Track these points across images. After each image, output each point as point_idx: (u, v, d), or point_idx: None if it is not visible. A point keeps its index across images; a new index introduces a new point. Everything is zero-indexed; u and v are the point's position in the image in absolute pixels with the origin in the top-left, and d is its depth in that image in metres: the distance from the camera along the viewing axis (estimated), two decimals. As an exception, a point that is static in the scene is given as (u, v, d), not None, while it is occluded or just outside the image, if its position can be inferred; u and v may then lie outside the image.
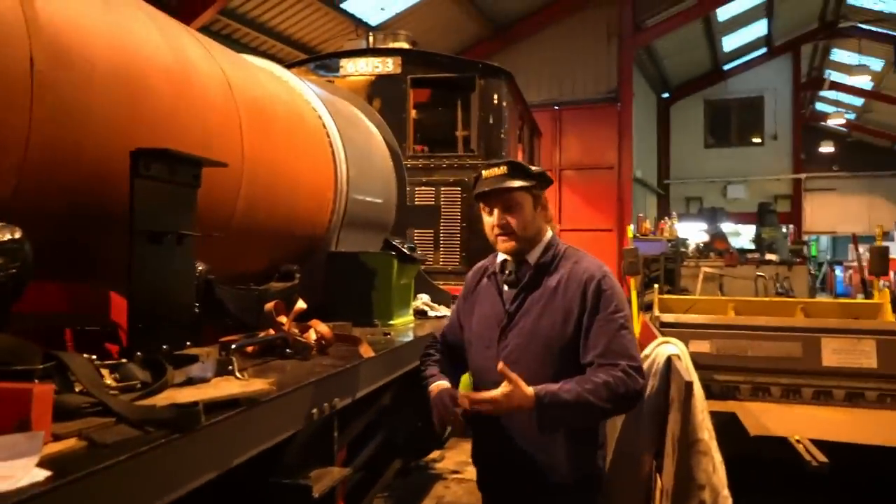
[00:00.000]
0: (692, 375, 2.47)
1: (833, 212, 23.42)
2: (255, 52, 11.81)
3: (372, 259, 3.49)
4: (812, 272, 14.93)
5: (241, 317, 2.52)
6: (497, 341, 2.20)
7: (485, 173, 2.24)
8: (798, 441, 2.82)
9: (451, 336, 2.47)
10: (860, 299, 9.30)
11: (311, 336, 2.44)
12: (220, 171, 2.28)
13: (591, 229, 14.51)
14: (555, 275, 2.19)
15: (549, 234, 2.30)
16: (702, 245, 13.95)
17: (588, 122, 15.49)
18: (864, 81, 20.91)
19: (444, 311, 4.28)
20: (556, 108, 15.73)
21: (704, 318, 4.09)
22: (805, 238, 21.20)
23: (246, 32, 11.90)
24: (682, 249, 12.67)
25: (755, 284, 10.37)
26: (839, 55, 22.26)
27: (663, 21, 16.23)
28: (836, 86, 23.33)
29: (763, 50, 22.28)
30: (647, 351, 2.77)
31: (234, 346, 2.09)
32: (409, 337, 3.20)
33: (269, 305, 2.45)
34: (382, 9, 13.45)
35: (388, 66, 6.12)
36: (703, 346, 3.69)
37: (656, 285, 7.24)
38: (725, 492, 2.41)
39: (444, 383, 2.23)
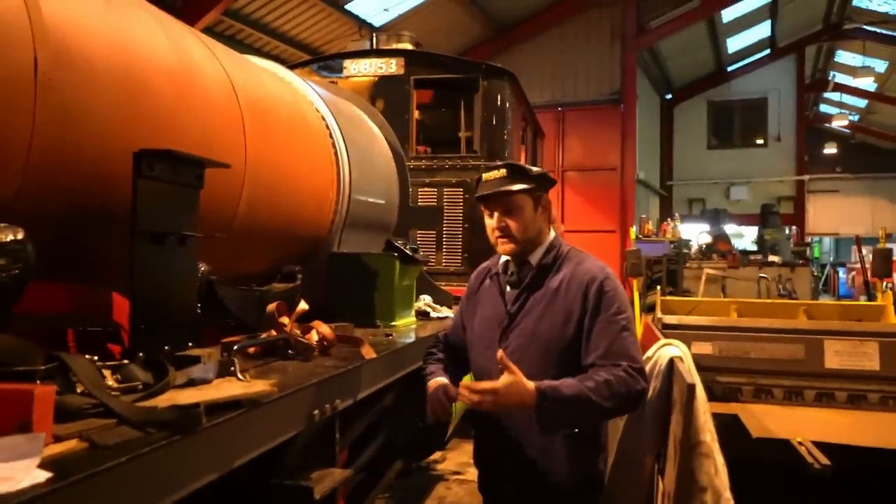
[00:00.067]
0: (694, 377, 2.46)
1: (836, 213, 23.38)
2: (259, 52, 11.83)
3: (374, 260, 3.49)
4: (815, 274, 14.89)
5: (243, 318, 2.52)
6: (498, 342, 2.20)
7: (485, 176, 2.24)
8: (800, 443, 2.82)
9: (453, 337, 2.47)
10: (863, 301, 9.28)
11: (313, 337, 2.44)
12: (223, 171, 2.28)
13: (594, 231, 14.51)
14: (556, 276, 2.19)
15: (551, 235, 2.29)
16: (704, 247, 13.89)
17: (591, 124, 15.49)
18: (868, 83, 20.88)
19: (446, 312, 4.28)
20: (560, 109, 15.73)
21: (707, 320, 4.08)
22: (808, 240, 21.15)
23: (250, 33, 11.92)
24: (685, 251, 12.64)
25: (758, 286, 10.35)
26: (843, 57, 22.22)
27: (667, 22, 16.23)
28: (840, 87, 23.29)
29: (767, 51, 22.24)
30: (649, 353, 2.77)
31: (235, 347, 2.09)
32: (411, 338, 3.20)
33: (271, 306, 2.46)
34: (386, 10, 13.47)
35: (392, 67, 6.12)
36: (705, 348, 3.68)
37: (659, 287, 7.23)
38: (727, 494, 2.41)
39: (442, 379, 2.24)
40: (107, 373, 1.53)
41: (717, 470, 2.39)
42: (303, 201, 3.21)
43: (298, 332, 2.44)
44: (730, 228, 17.66)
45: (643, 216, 15.73)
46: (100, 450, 1.20)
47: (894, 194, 23.14)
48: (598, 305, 2.09)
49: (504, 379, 1.92)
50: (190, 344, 2.04)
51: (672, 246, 12.32)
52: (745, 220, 20.69)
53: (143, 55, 2.13)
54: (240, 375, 1.84)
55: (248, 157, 2.65)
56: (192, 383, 1.72)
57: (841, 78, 23.00)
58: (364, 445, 2.93)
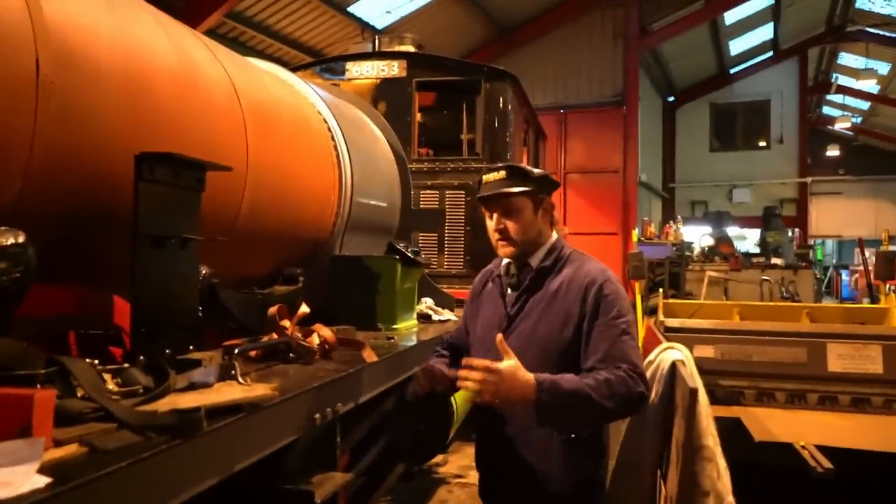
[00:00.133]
0: (697, 381, 2.45)
1: (839, 216, 23.34)
2: (262, 55, 11.85)
3: (376, 263, 3.49)
4: (818, 276, 14.86)
5: (244, 321, 2.52)
6: (496, 348, 2.20)
7: (485, 177, 2.24)
8: (803, 447, 2.80)
9: (458, 340, 2.47)
10: (866, 304, 9.26)
11: (315, 340, 2.44)
12: (224, 174, 2.28)
13: (596, 233, 14.49)
14: (556, 278, 2.17)
15: (553, 237, 2.28)
16: (707, 249, 13.89)
17: (593, 126, 15.48)
18: (870, 85, 20.83)
19: (448, 314, 4.28)
20: (562, 111, 15.72)
21: (709, 323, 4.06)
22: (811, 242, 21.12)
23: (252, 35, 11.94)
24: (687, 253, 12.63)
25: (760, 288, 10.33)
26: (846, 59, 22.19)
27: (669, 24, 16.21)
28: (842, 89, 23.26)
29: (769, 54, 22.22)
30: (651, 357, 2.76)
31: (237, 351, 2.09)
32: (413, 341, 3.19)
33: (273, 310, 2.45)
34: (388, 12, 13.48)
35: (394, 69, 6.13)
36: (707, 351, 3.67)
37: (661, 289, 7.23)
38: (730, 498, 2.40)
39: (437, 364, 2.24)
40: (107, 376, 1.53)
41: (719, 474, 2.38)
42: (305, 204, 3.20)
43: (300, 335, 2.43)
44: (732, 231, 17.63)
45: (645, 218, 15.70)
46: (100, 454, 1.20)
47: (897, 196, 23.12)
48: (597, 309, 2.07)
49: (507, 362, 1.90)
50: (191, 347, 2.03)
51: (674, 248, 12.30)
52: (747, 222, 20.66)
53: (144, 57, 2.13)
54: (241, 379, 1.84)
55: (250, 160, 2.65)
56: (192, 387, 1.71)
57: (844, 80, 22.97)
58: (365, 449, 2.93)
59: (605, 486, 2.26)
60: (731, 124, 23.33)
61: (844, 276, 23.37)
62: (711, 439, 2.40)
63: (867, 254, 11.12)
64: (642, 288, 7.04)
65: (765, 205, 19.04)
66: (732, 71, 22.61)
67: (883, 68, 20.28)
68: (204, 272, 2.27)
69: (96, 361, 1.57)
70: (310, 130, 3.36)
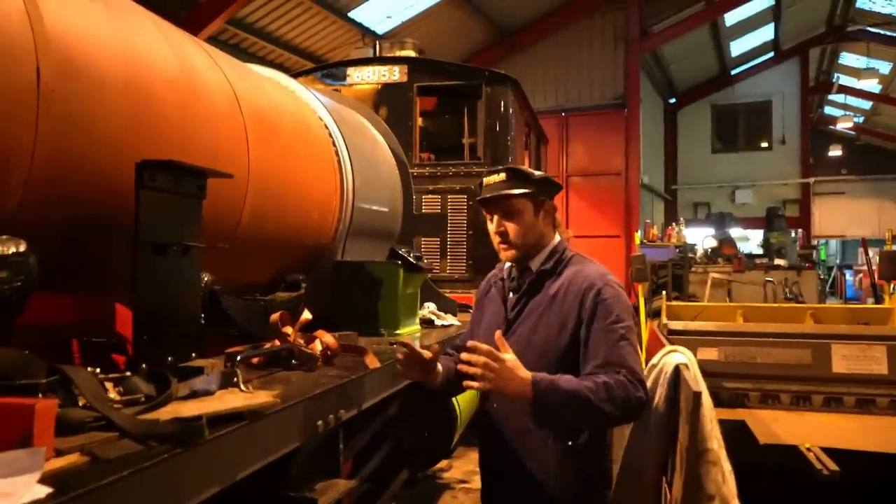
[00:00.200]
0: (700, 385, 2.44)
1: (842, 216, 23.28)
2: (263, 61, 11.87)
3: (378, 268, 3.49)
4: (821, 277, 14.83)
5: (247, 327, 2.52)
6: (496, 348, 2.19)
7: (485, 180, 2.23)
8: (808, 449, 2.79)
9: (463, 344, 2.46)
10: (870, 304, 9.24)
11: (317, 347, 2.44)
12: (226, 181, 2.28)
13: (599, 236, 14.48)
14: (556, 282, 2.16)
15: (555, 240, 2.26)
16: (710, 251, 13.87)
17: (595, 128, 15.48)
18: (872, 85, 20.80)
19: (450, 319, 4.27)
20: (563, 114, 15.72)
21: (712, 325, 4.05)
22: (814, 242, 21.07)
23: (254, 42, 11.97)
24: (690, 255, 12.61)
25: (764, 290, 10.30)
26: (847, 59, 22.17)
27: (670, 26, 16.22)
28: (844, 89, 23.23)
29: (770, 54, 22.21)
30: (654, 360, 2.75)
31: (239, 358, 2.08)
32: (416, 346, 3.18)
33: (275, 316, 2.45)
34: (389, 17, 13.50)
35: (395, 74, 6.14)
36: (711, 354, 3.66)
37: (664, 292, 7.21)
38: (735, 502, 2.39)
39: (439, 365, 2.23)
40: (109, 385, 1.53)
41: (724, 477, 2.37)
42: (306, 210, 3.21)
43: (302, 341, 2.43)
44: (735, 232, 17.60)
45: (648, 221, 15.69)
46: (101, 464, 1.20)
47: (901, 196, 23.07)
48: (594, 313, 2.05)
49: (509, 355, 1.90)
50: (193, 355, 2.03)
51: (677, 250, 12.29)
52: (750, 223, 20.63)
53: (146, 65, 2.14)
54: (243, 386, 1.84)
55: (252, 167, 2.65)
56: (194, 395, 1.71)
57: (845, 80, 22.94)
58: (369, 455, 2.92)
59: (610, 491, 2.24)
60: (732, 125, 23.31)
61: (848, 276, 23.29)
62: (716, 442, 2.39)
63: (871, 253, 11.09)
64: (645, 290, 7.02)
65: (767, 206, 19.00)
66: (733, 72, 22.60)
67: (884, 67, 20.26)
68: (206, 279, 2.27)
69: (98, 370, 1.57)
70: (311, 136, 3.36)
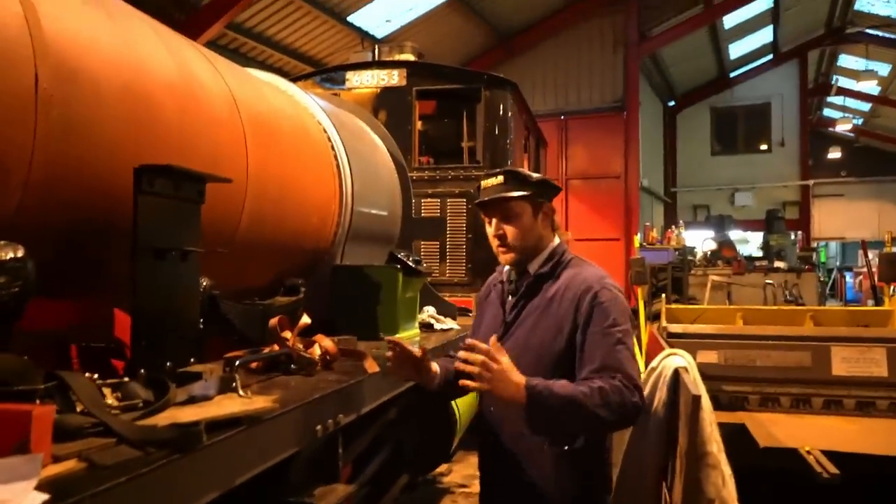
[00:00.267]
0: (700, 388, 2.44)
1: (842, 218, 23.29)
2: (263, 65, 11.89)
3: (377, 272, 3.49)
4: (821, 279, 14.83)
5: (246, 332, 2.52)
6: None
7: (483, 183, 2.22)
8: (808, 452, 2.79)
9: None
10: (870, 306, 9.24)
11: (316, 351, 2.43)
12: (225, 185, 2.28)
13: (599, 239, 14.49)
14: (554, 285, 2.14)
15: (554, 242, 2.25)
16: (709, 253, 13.87)
17: (594, 132, 15.50)
18: (871, 87, 20.82)
19: (450, 323, 4.27)
20: (562, 117, 15.74)
21: (712, 328, 4.05)
22: (814, 244, 21.08)
23: (253, 46, 11.98)
24: (690, 258, 12.61)
25: (764, 292, 10.30)
26: (846, 60, 22.20)
27: (669, 29, 16.26)
28: (843, 91, 23.26)
29: (769, 57, 22.24)
30: (654, 363, 2.75)
31: (237, 363, 2.08)
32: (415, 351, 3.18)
33: (274, 321, 2.45)
34: (388, 21, 13.53)
35: (394, 78, 6.15)
36: (710, 357, 3.65)
37: (664, 295, 7.21)
38: (735, 505, 2.39)
39: (434, 365, 2.23)
40: (107, 391, 1.53)
41: (724, 481, 2.36)
42: (305, 214, 3.21)
43: (301, 346, 2.43)
44: (735, 234, 17.63)
45: (647, 223, 15.69)
46: (98, 470, 1.20)
47: (900, 198, 23.08)
48: (590, 317, 2.03)
49: (506, 359, 1.90)
50: (192, 360, 2.03)
51: (677, 253, 12.29)
52: (750, 225, 20.65)
53: (144, 70, 2.14)
54: (241, 392, 1.83)
55: (250, 171, 2.65)
56: (193, 400, 1.71)
57: (844, 82, 22.97)
58: (368, 460, 2.92)
59: (609, 496, 2.24)
60: (732, 128, 23.34)
61: (848, 278, 23.30)
62: (715, 446, 2.39)
63: (871, 255, 11.09)
64: (645, 293, 7.02)
65: (767, 208, 19.02)
66: (732, 74, 22.63)
67: (883, 69, 20.28)
68: (205, 283, 2.27)
69: (96, 376, 1.56)
70: (310, 140, 3.36)
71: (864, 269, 13.38)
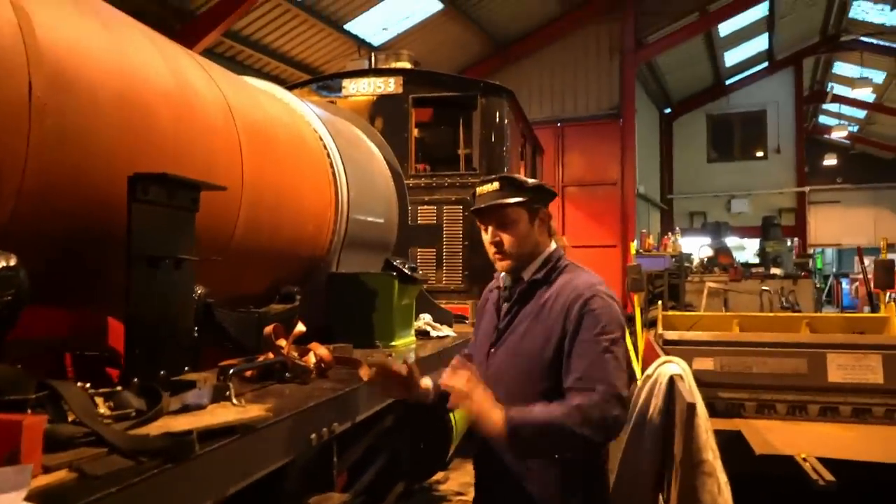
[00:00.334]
0: (695, 395, 2.44)
1: (838, 224, 23.36)
2: (259, 73, 11.91)
3: (372, 280, 3.48)
4: (818, 285, 14.85)
5: (241, 340, 2.51)
6: (486, 359, 2.18)
7: (479, 189, 2.20)
8: (804, 459, 2.79)
9: (468, 353, 2.45)
10: (866, 312, 9.24)
11: (311, 359, 2.43)
12: (220, 193, 2.28)
13: (595, 246, 14.48)
14: (547, 292, 2.12)
15: (550, 248, 2.23)
16: (706, 260, 13.90)
17: (590, 139, 15.53)
18: (866, 94, 20.94)
19: (446, 330, 4.26)
20: (559, 124, 15.76)
21: (708, 335, 4.05)
22: (810, 251, 21.13)
23: (250, 54, 12.01)
24: (687, 265, 12.63)
25: (760, 299, 10.32)
26: (841, 68, 22.31)
27: (665, 37, 16.32)
28: (838, 98, 23.37)
29: (765, 64, 22.35)
30: (649, 371, 2.75)
31: (231, 371, 2.07)
32: (411, 358, 3.18)
33: (268, 329, 2.44)
34: (385, 29, 13.57)
35: (390, 85, 6.16)
36: (707, 364, 3.66)
37: (660, 302, 7.21)
38: (731, 513, 2.38)
39: (427, 381, 2.23)
40: (99, 400, 1.52)
41: (720, 489, 2.36)
42: (301, 222, 3.20)
43: (296, 354, 2.42)
44: (731, 241, 17.66)
45: (644, 230, 15.71)
46: (89, 480, 1.19)
47: (896, 204, 23.16)
48: (579, 325, 1.99)
49: (479, 390, 1.90)
50: (186, 368, 2.02)
51: (673, 260, 12.30)
52: (746, 232, 20.69)
53: (140, 78, 2.14)
54: (235, 400, 1.83)
55: (245, 179, 2.65)
56: (186, 409, 1.70)
57: (839, 89, 23.08)
58: (364, 468, 2.90)
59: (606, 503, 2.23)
60: (728, 135, 23.43)
61: (845, 284, 23.35)
62: (711, 453, 2.39)
63: (866, 262, 11.11)
64: (641, 300, 7.02)
65: (763, 215, 19.07)
66: (728, 82, 22.73)
67: (878, 77, 20.38)
68: (199, 291, 2.27)
69: (88, 385, 1.56)
70: (306, 148, 3.36)
71: (861, 276, 13.40)
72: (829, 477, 2.58)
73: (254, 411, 1.74)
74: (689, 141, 23.27)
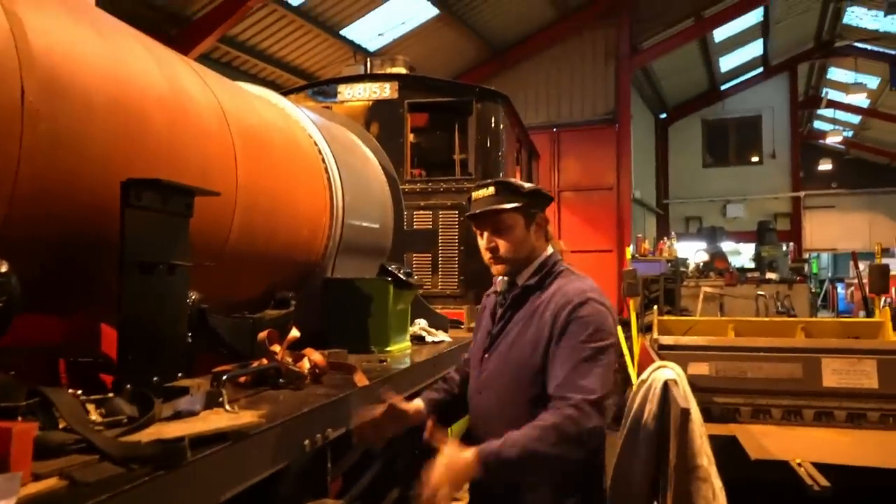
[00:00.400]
0: (690, 401, 2.44)
1: (833, 229, 23.43)
2: (255, 78, 11.90)
3: (367, 285, 3.48)
4: (813, 290, 14.89)
5: (235, 346, 2.50)
6: (480, 364, 2.18)
7: (474, 194, 2.19)
8: (799, 464, 2.79)
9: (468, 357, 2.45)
10: (862, 317, 9.26)
11: (305, 365, 2.42)
12: (214, 199, 2.28)
13: (591, 250, 14.50)
14: (540, 297, 2.10)
15: (546, 253, 2.22)
16: (701, 265, 13.92)
17: (586, 144, 15.55)
18: (860, 99, 21.00)
19: (442, 336, 4.26)
20: (555, 129, 15.79)
21: (703, 340, 4.06)
22: (806, 256, 21.17)
23: (246, 60, 12.00)
24: (682, 269, 12.63)
25: (756, 303, 10.33)
26: (836, 73, 22.41)
27: (660, 42, 16.38)
28: (833, 104, 23.46)
29: (760, 70, 22.44)
30: (644, 376, 2.75)
31: (225, 377, 2.06)
32: (406, 363, 3.17)
33: (262, 334, 2.44)
34: (381, 34, 13.58)
35: (386, 91, 6.15)
36: (702, 369, 3.66)
37: (656, 306, 7.21)
38: (726, 518, 2.38)
39: (417, 403, 2.22)
40: (91, 407, 1.51)
41: (714, 494, 2.36)
42: (296, 227, 3.20)
43: (290, 359, 2.42)
44: (727, 246, 17.71)
45: (640, 235, 15.73)
46: (80, 487, 1.18)
47: (890, 209, 23.21)
48: (565, 331, 1.97)
49: (440, 458, 1.84)
50: (180, 374, 2.01)
51: (669, 265, 12.31)
52: (741, 237, 20.75)
53: (134, 83, 2.13)
54: (228, 407, 1.82)
55: (240, 184, 2.64)
56: (178, 416, 1.69)
57: (834, 95, 23.18)
58: (359, 473, 2.89)
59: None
60: (723, 140, 23.50)
61: (840, 289, 23.40)
62: (706, 459, 2.38)
63: (861, 267, 11.14)
64: (637, 305, 7.02)
65: (759, 219, 19.13)
66: (723, 87, 22.82)
67: (872, 82, 20.46)
68: (193, 297, 2.26)
69: (80, 392, 1.55)
70: (301, 153, 3.36)
71: (856, 281, 13.44)
72: (824, 482, 2.58)
73: (246, 417, 1.73)
74: (684, 146, 23.34)
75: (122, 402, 1.58)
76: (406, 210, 4.99)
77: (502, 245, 2.13)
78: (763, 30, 18.99)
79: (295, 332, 2.55)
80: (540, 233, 2.22)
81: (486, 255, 2.19)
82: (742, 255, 20.55)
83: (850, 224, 23.32)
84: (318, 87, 6.42)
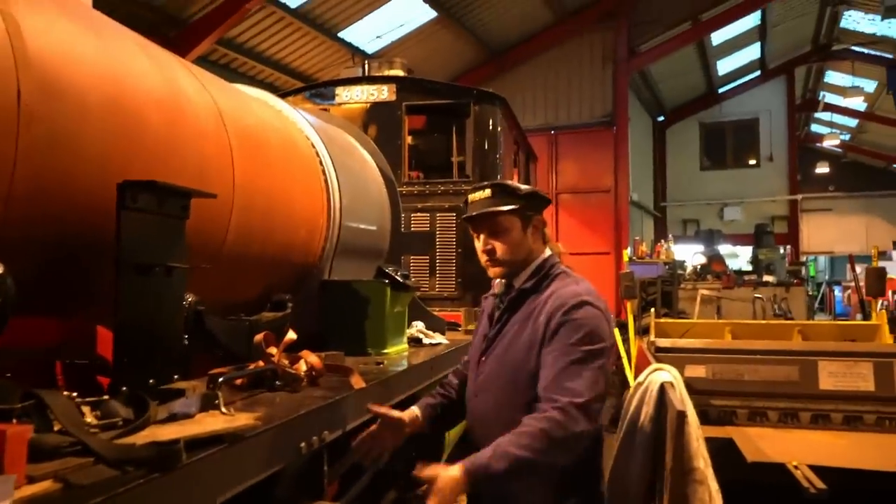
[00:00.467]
0: (686, 403, 2.44)
1: (830, 232, 23.48)
2: (253, 80, 11.90)
3: (365, 287, 3.48)
4: (810, 293, 14.90)
5: (231, 348, 2.50)
6: (476, 367, 2.17)
7: (470, 197, 2.18)
8: (796, 467, 2.79)
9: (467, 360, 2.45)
10: (859, 320, 9.28)
11: (302, 367, 2.42)
12: (210, 200, 2.27)
13: (589, 253, 14.51)
14: (536, 300, 2.10)
15: (544, 255, 2.21)
16: (699, 267, 13.93)
17: (584, 146, 15.57)
18: (857, 103, 21.06)
19: (439, 338, 4.25)
20: (552, 132, 15.81)
21: (700, 343, 4.06)
22: (803, 259, 21.21)
23: (244, 62, 12.00)
24: (680, 272, 12.65)
25: (753, 306, 10.34)
26: (833, 77, 22.46)
27: (658, 45, 16.40)
28: (830, 107, 23.52)
29: (757, 73, 22.48)
30: (640, 378, 2.75)
31: (221, 380, 2.06)
32: (403, 366, 3.17)
33: (259, 337, 2.43)
34: (378, 37, 13.59)
35: (384, 93, 6.15)
36: (699, 371, 3.66)
37: (653, 309, 7.22)
38: (723, 521, 2.38)
39: (413, 410, 2.23)
40: (86, 409, 1.51)
41: (711, 496, 2.36)
42: (293, 228, 3.20)
43: (286, 362, 2.41)
44: (724, 249, 17.72)
45: (637, 238, 15.74)
46: (74, 490, 1.18)
47: (888, 212, 23.27)
48: (556, 333, 1.96)
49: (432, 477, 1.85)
50: (176, 377, 2.01)
51: (666, 267, 12.33)
52: (739, 240, 20.77)
53: (131, 85, 2.13)
54: (223, 409, 1.81)
55: (237, 186, 2.64)
56: (174, 418, 1.69)
57: (831, 98, 23.23)
58: (356, 476, 2.89)
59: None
60: (720, 143, 23.53)
61: (837, 292, 23.44)
62: (702, 461, 2.38)
63: (858, 270, 11.15)
64: (635, 307, 7.03)
65: (756, 222, 19.14)
66: (721, 90, 22.85)
67: (869, 86, 20.51)
68: (190, 299, 2.25)
69: (75, 394, 1.54)
70: (298, 155, 3.36)
71: (853, 284, 13.46)
72: (820, 485, 2.58)
73: (242, 420, 1.73)
74: (682, 149, 23.37)
75: (118, 405, 1.58)
76: (403, 212, 4.99)
77: (499, 247, 2.13)
78: (760, 33, 19.04)
79: (291, 335, 2.55)
80: (537, 235, 2.21)
81: (483, 258, 2.18)
82: (739, 257, 20.58)
83: (847, 227, 23.37)
84: (315, 90, 6.42)
